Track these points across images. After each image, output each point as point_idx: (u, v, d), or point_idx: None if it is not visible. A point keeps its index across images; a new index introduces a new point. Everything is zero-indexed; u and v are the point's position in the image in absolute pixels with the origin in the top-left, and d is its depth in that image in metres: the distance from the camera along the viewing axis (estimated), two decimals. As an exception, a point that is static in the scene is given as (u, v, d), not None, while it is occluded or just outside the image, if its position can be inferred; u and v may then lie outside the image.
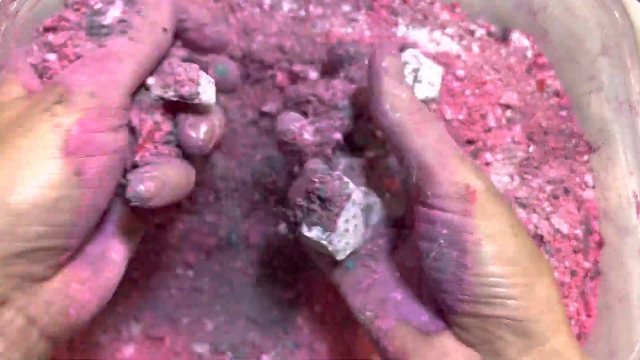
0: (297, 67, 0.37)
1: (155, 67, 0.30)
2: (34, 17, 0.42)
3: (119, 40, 0.28)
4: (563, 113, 0.46)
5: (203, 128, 0.30)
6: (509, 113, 0.44)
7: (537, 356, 0.28)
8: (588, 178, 0.45)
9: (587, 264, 0.43)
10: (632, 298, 0.41)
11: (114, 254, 0.30)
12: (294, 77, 0.38)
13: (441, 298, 0.29)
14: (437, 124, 0.30)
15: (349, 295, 0.33)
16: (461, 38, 0.44)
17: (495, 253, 0.28)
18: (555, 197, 0.42)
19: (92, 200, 0.26)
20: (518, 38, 0.47)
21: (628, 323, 0.41)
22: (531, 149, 0.43)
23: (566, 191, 0.43)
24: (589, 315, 0.43)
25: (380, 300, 0.32)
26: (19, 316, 0.25)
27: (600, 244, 0.44)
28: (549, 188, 0.42)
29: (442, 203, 0.28)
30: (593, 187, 0.45)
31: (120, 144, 0.28)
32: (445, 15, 0.45)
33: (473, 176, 0.29)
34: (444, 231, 0.28)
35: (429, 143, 0.29)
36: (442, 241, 0.28)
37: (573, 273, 0.42)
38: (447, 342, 0.29)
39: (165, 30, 0.29)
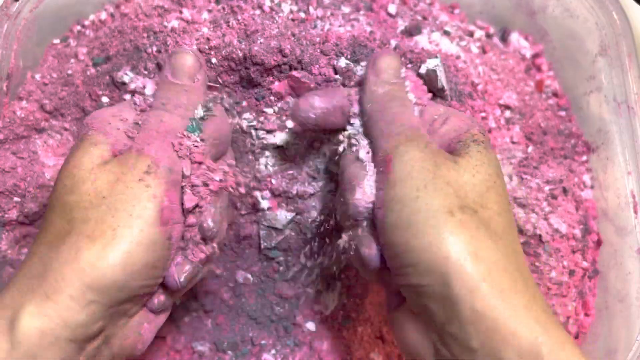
0: (297, 74, 0.38)
1: None
2: (35, 18, 0.42)
3: (174, 117, 0.33)
4: (562, 113, 0.46)
5: (186, 272, 0.33)
6: (508, 113, 0.44)
7: (460, 319, 0.27)
8: (586, 178, 0.45)
9: (585, 264, 0.43)
10: (631, 297, 0.41)
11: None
12: (294, 84, 0.38)
13: None
14: (396, 108, 0.33)
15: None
16: (460, 39, 0.44)
17: (392, 221, 0.29)
18: (554, 197, 0.43)
19: (173, 257, 0.32)
20: (517, 39, 0.47)
21: (626, 322, 0.41)
22: (530, 149, 0.44)
23: (565, 191, 0.43)
24: (587, 315, 0.43)
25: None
26: (103, 345, 0.30)
27: (599, 244, 0.44)
28: (547, 188, 0.43)
29: (376, 181, 0.31)
30: (592, 187, 0.45)
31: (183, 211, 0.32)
32: (444, 17, 0.45)
33: (395, 145, 0.31)
34: (375, 212, 0.31)
35: (381, 126, 0.33)
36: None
37: (571, 273, 0.43)
38: (402, 316, 0.31)
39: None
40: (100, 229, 0.29)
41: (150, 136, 0.32)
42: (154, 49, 0.39)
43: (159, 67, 0.38)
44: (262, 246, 0.41)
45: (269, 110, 0.39)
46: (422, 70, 0.37)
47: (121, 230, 0.29)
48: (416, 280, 0.28)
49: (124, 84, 0.39)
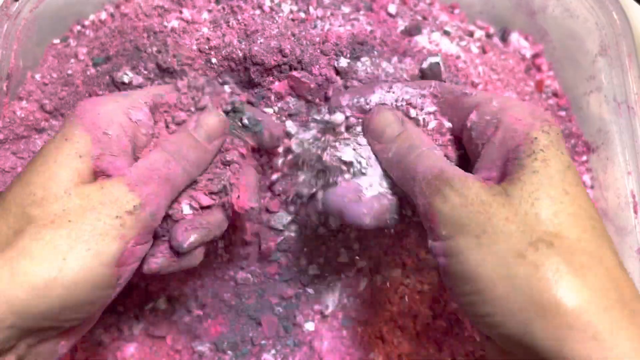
0: (297, 74, 0.38)
1: None
2: (35, 18, 0.42)
3: (178, 168, 0.32)
4: (562, 113, 0.46)
5: (192, 237, 0.32)
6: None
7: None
8: (587, 178, 0.45)
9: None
10: (630, 297, 0.41)
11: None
12: (294, 84, 0.38)
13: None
14: (414, 157, 0.32)
15: None
16: (460, 39, 0.44)
17: (459, 272, 0.27)
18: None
19: (114, 296, 0.30)
20: (517, 39, 0.47)
21: (626, 322, 0.41)
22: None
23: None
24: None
25: None
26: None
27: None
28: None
29: (428, 234, 0.30)
30: (592, 187, 0.45)
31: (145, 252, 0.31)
32: (444, 17, 0.45)
33: (429, 195, 0.29)
34: (440, 262, 0.29)
35: (410, 186, 0.31)
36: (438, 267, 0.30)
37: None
38: (492, 352, 0.29)
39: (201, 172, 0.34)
40: (49, 254, 0.27)
41: (149, 176, 0.30)
42: (154, 49, 0.39)
43: (159, 67, 0.38)
44: (262, 247, 0.41)
45: (269, 110, 0.39)
46: (425, 65, 0.37)
47: (71, 263, 0.27)
48: (489, 331, 0.27)
49: (123, 83, 0.39)
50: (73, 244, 0.27)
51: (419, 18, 0.44)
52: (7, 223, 0.28)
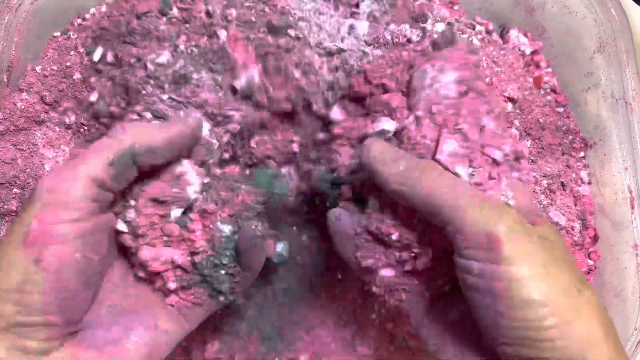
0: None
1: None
2: (36, 10, 0.42)
3: (98, 141, 0.31)
4: (560, 110, 0.47)
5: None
6: (510, 107, 0.44)
7: None
8: (584, 174, 0.45)
9: (582, 259, 0.43)
10: (627, 292, 0.41)
11: (129, 344, 0.32)
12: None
13: (489, 343, 0.30)
14: (436, 172, 0.31)
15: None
16: (462, 32, 0.44)
17: (526, 296, 0.28)
18: (552, 191, 0.43)
19: (56, 282, 0.29)
20: (516, 35, 0.47)
21: (622, 317, 0.41)
22: (528, 143, 0.44)
23: (563, 186, 0.43)
24: None
25: (441, 335, 0.34)
26: None
27: (595, 239, 0.44)
28: (545, 182, 0.43)
29: (470, 253, 0.29)
30: (589, 183, 0.45)
31: (82, 231, 0.30)
32: (445, 12, 0.45)
33: (493, 220, 0.29)
34: (479, 280, 0.29)
35: (443, 200, 0.30)
36: (479, 290, 0.29)
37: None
38: None
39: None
40: None
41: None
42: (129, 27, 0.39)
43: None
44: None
45: None
46: (438, 28, 0.35)
47: None
48: (547, 354, 0.28)
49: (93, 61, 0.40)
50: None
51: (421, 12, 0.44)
52: None
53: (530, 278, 0.28)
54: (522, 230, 0.29)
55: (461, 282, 0.30)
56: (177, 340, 0.34)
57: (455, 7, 0.48)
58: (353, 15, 0.39)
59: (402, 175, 0.31)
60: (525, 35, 0.48)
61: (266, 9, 0.38)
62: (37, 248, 0.28)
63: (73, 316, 0.30)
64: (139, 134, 0.32)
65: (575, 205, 0.44)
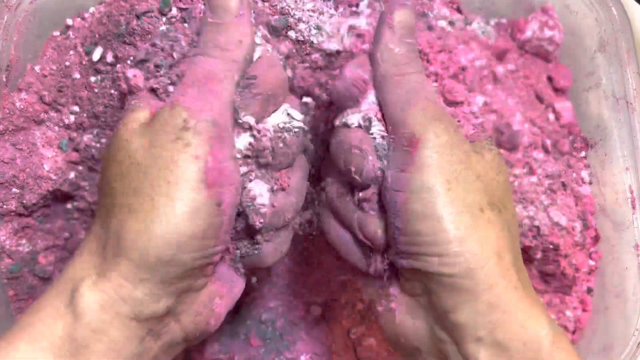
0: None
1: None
2: (35, 10, 0.42)
3: (210, 60, 0.29)
4: (561, 109, 0.47)
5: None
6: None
7: (471, 310, 0.27)
8: (585, 174, 0.45)
9: (583, 259, 0.43)
10: (628, 293, 0.41)
11: (241, 270, 0.33)
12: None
13: (389, 253, 0.31)
14: (416, 74, 0.30)
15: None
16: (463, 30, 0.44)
17: (420, 210, 0.28)
18: (553, 191, 0.43)
19: (228, 224, 0.29)
20: (517, 35, 0.47)
21: (623, 318, 0.41)
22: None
23: (564, 186, 0.43)
24: (584, 310, 0.44)
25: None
26: (174, 323, 0.29)
27: (597, 239, 0.44)
28: (547, 182, 0.43)
29: (390, 156, 0.29)
30: (590, 183, 0.45)
31: (238, 171, 0.29)
32: (445, 11, 0.45)
33: (425, 124, 0.28)
34: (386, 192, 0.29)
35: (399, 93, 0.30)
36: (387, 202, 0.29)
37: (570, 267, 0.43)
38: (393, 292, 0.31)
39: (250, 46, 0.30)
40: (139, 201, 0.26)
41: (185, 85, 0.28)
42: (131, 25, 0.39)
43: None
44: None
45: None
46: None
47: (158, 200, 0.26)
48: (436, 269, 0.28)
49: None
50: (152, 181, 0.26)
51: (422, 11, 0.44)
52: (106, 192, 0.29)
53: (430, 191, 0.27)
54: (449, 142, 0.28)
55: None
56: None
57: (455, 7, 0.47)
58: (353, 14, 0.39)
59: (392, 56, 0.30)
60: (526, 34, 0.48)
61: (266, 9, 0.38)
62: (218, 190, 0.27)
63: (223, 253, 0.30)
64: (247, 41, 0.30)
65: (576, 205, 0.44)
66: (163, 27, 0.37)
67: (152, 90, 0.32)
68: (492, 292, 0.27)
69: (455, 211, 0.27)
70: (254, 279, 0.36)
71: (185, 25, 0.37)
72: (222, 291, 0.31)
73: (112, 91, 0.40)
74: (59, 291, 0.27)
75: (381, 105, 0.31)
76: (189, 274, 0.28)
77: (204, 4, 0.32)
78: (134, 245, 0.26)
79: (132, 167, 0.27)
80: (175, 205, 0.26)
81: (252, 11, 0.31)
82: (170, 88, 0.32)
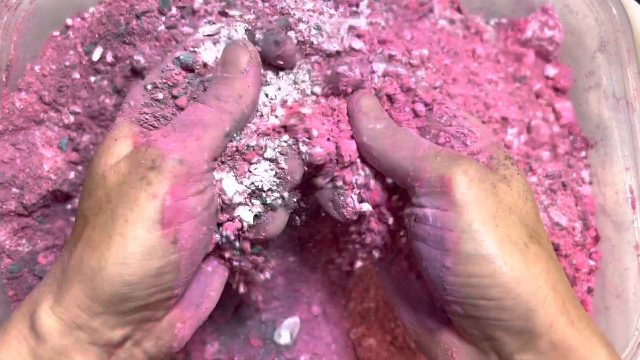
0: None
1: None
2: (35, 10, 0.42)
3: (207, 109, 0.30)
4: (561, 109, 0.47)
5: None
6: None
7: (534, 351, 0.27)
8: (585, 174, 0.45)
9: (584, 259, 0.43)
10: (628, 293, 0.41)
11: (211, 291, 0.33)
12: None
13: (435, 298, 0.29)
14: (407, 135, 0.31)
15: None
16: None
17: (473, 251, 0.27)
18: (553, 192, 0.43)
19: (189, 259, 0.29)
20: (517, 34, 0.47)
21: (624, 317, 0.41)
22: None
23: (564, 186, 0.43)
24: (585, 310, 0.44)
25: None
26: (134, 348, 0.30)
27: (597, 240, 0.44)
28: (547, 182, 0.43)
29: (424, 200, 0.29)
30: (590, 183, 0.45)
31: (206, 203, 0.29)
32: (445, 12, 0.45)
33: (449, 165, 0.28)
34: (431, 229, 0.28)
35: (404, 154, 0.30)
36: (429, 238, 0.28)
37: (571, 267, 0.43)
38: (448, 339, 0.30)
39: (251, 102, 0.31)
40: (100, 238, 0.27)
41: (169, 127, 0.29)
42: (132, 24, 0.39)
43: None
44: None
45: None
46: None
47: (115, 239, 0.27)
48: (495, 314, 0.27)
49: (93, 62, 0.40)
50: (114, 219, 0.27)
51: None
52: (79, 220, 0.29)
53: (479, 230, 0.27)
54: (477, 175, 0.28)
55: (412, 235, 0.29)
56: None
57: (455, 6, 0.47)
58: (353, 14, 0.39)
59: (378, 132, 0.32)
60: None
61: (266, 9, 0.37)
62: (174, 227, 0.27)
63: (189, 283, 0.31)
64: (248, 98, 0.31)
65: (577, 205, 0.44)
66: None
67: (139, 120, 0.32)
68: (553, 330, 0.27)
69: (508, 250, 0.27)
70: (267, 275, 0.36)
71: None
72: (184, 315, 0.31)
73: (112, 91, 0.40)
74: (22, 313, 0.28)
75: (388, 171, 0.32)
76: (146, 308, 0.28)
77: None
78: (89, 281, 0.27)
79: (104, 204, 0.28)
80: (127, 244, 0.27)
81: (261, 69, 0.32)
82: (155, 123, 0.32)
